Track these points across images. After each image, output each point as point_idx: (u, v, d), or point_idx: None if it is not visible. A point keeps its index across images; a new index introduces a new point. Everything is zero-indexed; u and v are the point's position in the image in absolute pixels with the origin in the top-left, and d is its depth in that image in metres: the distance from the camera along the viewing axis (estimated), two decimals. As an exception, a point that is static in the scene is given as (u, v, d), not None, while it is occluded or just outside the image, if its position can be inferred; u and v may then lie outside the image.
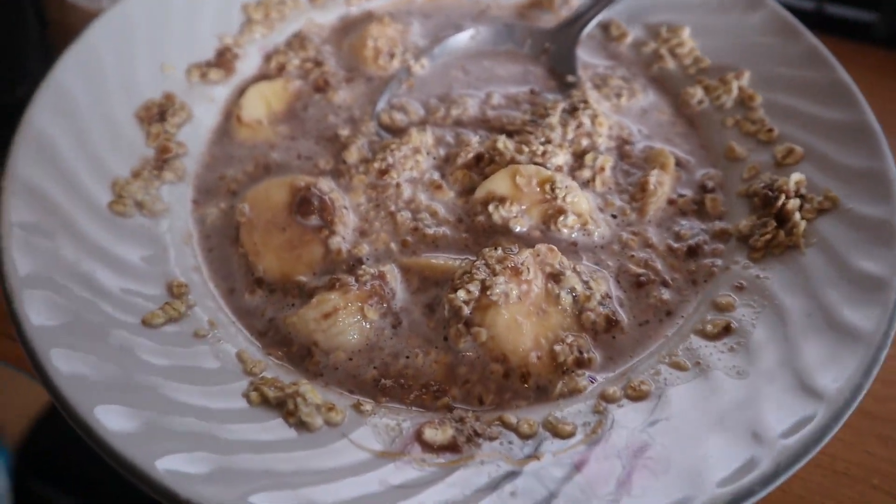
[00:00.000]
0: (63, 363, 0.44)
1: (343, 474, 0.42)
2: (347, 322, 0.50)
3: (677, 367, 0.49)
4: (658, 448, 0.43)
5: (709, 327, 0.50)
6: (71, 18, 0.76)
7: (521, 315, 0.50)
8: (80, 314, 0.47)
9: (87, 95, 0.58)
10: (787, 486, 0.51)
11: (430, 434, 0.45)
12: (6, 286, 0.46)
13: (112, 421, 0.42)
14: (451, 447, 0.44)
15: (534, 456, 0.44)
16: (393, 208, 0.58)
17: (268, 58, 0.68)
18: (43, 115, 0.55)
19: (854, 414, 0.55)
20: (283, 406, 0.45)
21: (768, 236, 0.54)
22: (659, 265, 0.55)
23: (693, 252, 0.56)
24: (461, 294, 0.50)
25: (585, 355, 0.50)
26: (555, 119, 0.61)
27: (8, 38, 0.70)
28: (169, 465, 0.41)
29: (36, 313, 0.45)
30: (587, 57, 0.70)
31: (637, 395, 0.47)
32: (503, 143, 0.59)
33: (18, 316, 0.45)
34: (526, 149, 0.59)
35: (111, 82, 0.60)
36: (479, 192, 0.57)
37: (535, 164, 0.58)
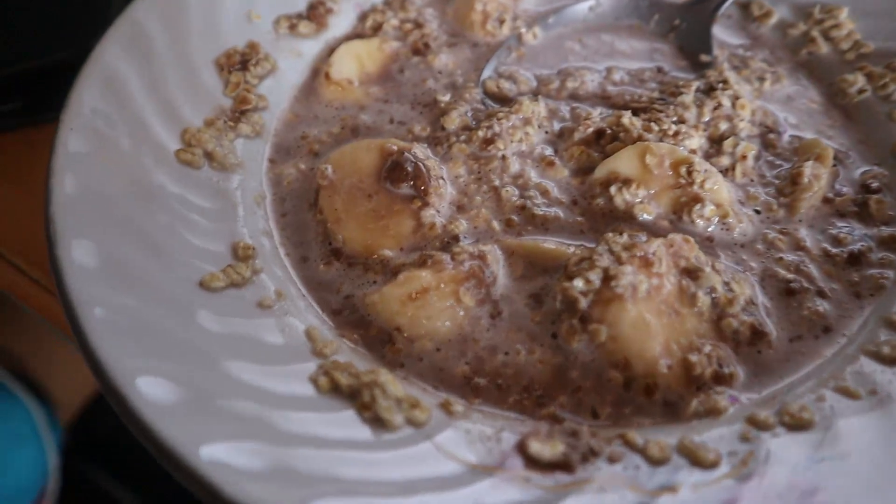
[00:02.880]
0: (102, 318, 0.37)
1: (426, 487, 0.34)
2: (438, 306, 0.42)
3: (846, 393, 0.39)
4: (832, 493, 0.34)
5: (885, 349, 0.40)
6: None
7: (650, 314, 0.41)
8: (129, 263, 0.40)
9: (164, 35, 0.52)
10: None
11: (537, 448, 0.36)
12: (49, 226, 0.40)
13: (152, 391, 0.34)
14: (563, 466, 0.36)
15: (669, 488, 0.34)
16: (497, 183, 0.50)
17: (364, 16, 0.61)
18: (115, 50, 0.49)
19: None
20: (356, 397, 0.37)
21: (956, 247, 0.44)
22: (813, 272, 0.46)
23: (855, 260, 0.46)
24: (578, 283, 0.41)
25: (726, 370, 0.41)
26: (689, 98, 0.53)
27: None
28: (215, 455, 0.33)
29: (83, 253, 0.39)
30: (724, 36, 0.61)
31: (796, 424, 0.37)
32: (629, 119, 0.51)
33: (60, 258, 0.39)
34: (656, 127, 0.50)
35: (193, 25, 0.54)
36: (600, 172, 0.49)
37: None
